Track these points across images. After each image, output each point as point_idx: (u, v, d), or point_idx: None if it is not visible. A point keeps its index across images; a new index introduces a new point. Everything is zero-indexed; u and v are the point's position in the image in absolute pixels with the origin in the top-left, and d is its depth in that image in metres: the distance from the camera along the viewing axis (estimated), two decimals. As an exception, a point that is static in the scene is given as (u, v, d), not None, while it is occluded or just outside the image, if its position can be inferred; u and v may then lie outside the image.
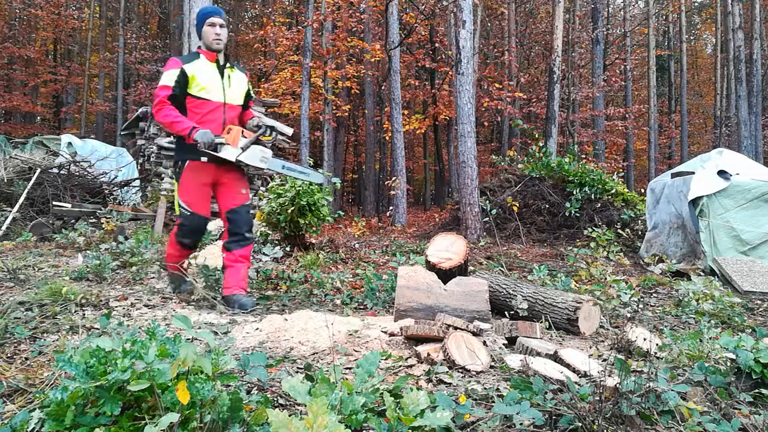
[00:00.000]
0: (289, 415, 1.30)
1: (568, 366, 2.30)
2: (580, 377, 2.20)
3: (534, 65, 23.20)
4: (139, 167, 10.40)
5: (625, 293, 4.00)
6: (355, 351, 2.60)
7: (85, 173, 8.72)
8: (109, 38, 22.78)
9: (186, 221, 3.48)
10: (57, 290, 3.23)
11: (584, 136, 19.06)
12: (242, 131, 3.37)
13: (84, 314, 3.10)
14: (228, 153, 3.33)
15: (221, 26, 3.45)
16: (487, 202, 8.87)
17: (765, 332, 3.18)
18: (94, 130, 21.30)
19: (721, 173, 5.81)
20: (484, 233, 8.50)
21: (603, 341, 3.06)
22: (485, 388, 2.08)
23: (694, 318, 3.72)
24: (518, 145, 18.44)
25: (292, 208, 5.44)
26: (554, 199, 9.08)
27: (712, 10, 25.58)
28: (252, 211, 8.55)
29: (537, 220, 9.02)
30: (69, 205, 7.49)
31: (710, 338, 2.72)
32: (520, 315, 3.35)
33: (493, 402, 1.90)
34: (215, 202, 3.65)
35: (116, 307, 3.36)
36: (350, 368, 2.33)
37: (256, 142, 3.40)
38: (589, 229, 7.12)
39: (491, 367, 2.38)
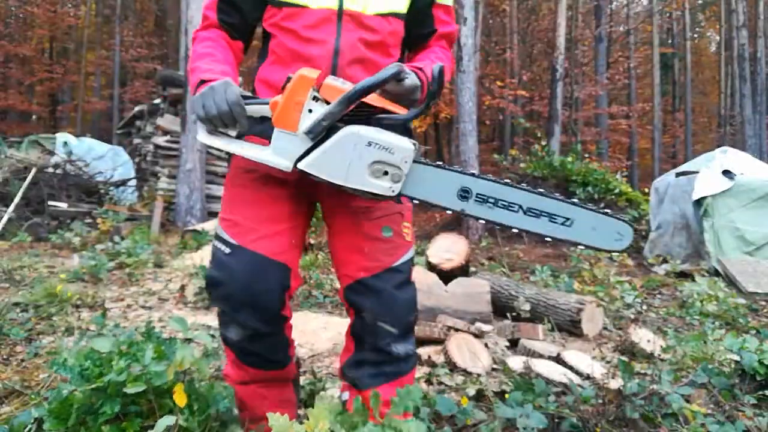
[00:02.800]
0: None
1: (571, 368, 2.28)
2: (583, 380, 2.18)
3: (536, 63, 23.09)
4: (135, 166, 10.36)
5: (629, 294, 3.98)
6: (355, 353, 2.57)
7: (81, 172, 8.67)
8: (105, 36, 22.70)
9: (218, 270, 1.38)
10: (53, 291, 3.21)
11: (587, 134, 18.97)
12: (315, 83, 1.18)
13: (80, 315, 3.08)
14: (269, 150, 1.24)
15: None
16: (489, 201, 8.83)
17: (770, 333, 3.15)
18: (90, 129, 21.25)
19: (726, 173, 5.78)
20: (486, 233, 8.46)
21: (606, 343, 3.04)
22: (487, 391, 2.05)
23: (698, 319, 3.69)
24: (520, 144, 18.38)
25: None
26: (556, 198, 9.05)
27: (715, 7, 25.48)
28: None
29: (539, 220, 8.99)
30: (65, 205, 7.47)
31: (714, 340, 2.70)
32: (523, 317, 3.32)
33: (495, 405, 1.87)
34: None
35: (112, 308, 3.34)
36: (349, 370, 2.30)
37: (363, 113, 1.21)
38: (592, 229, 7.06)
39: (493, 369, 2.35)
